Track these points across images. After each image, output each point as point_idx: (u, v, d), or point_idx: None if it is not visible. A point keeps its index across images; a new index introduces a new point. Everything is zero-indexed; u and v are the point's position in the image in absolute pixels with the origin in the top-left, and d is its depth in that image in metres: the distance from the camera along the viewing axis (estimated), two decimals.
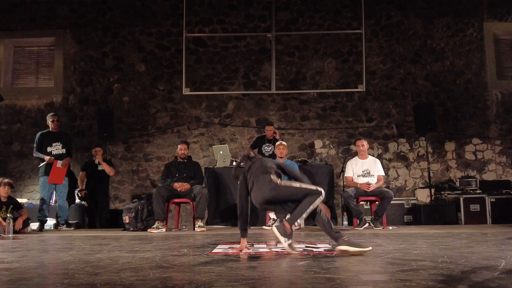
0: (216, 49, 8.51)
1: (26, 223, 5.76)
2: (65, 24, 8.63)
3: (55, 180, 6.33)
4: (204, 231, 5.60)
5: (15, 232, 5.43)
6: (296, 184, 3.31)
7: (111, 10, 8.63)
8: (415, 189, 8.01)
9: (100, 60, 8.55)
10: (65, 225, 6.37)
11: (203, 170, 6.57)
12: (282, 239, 3.22)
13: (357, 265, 2.68)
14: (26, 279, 2.34)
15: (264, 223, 6.03)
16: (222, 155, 6.68)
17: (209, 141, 8.29)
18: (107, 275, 2.41)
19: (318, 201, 3.19)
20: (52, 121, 6.53)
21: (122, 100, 8.48)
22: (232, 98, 8.42)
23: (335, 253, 3.16)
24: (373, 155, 6.88)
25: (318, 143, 8.25)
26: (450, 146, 8.23)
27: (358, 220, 5.76)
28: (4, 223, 5.33)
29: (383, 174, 6.14)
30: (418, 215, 6.88)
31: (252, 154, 3.66)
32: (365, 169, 5.97)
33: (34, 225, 6.19)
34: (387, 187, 7.32)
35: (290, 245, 3.23)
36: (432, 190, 7.46)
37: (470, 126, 8.27)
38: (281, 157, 6.20)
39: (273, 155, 6.63)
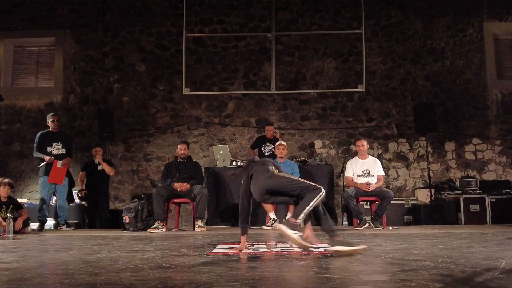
0: (216, 49, 8.52)
1: (26, 223, 5.76)
2: (65, 24, 8.63)
3: (55, 180, 6.33)
4: (204, 231, 5.60)
5: (15, 232, 5.43)
6: (294, 177, 3.36)
7: (111, 10, 8.63)
8: (415, 189, 8.01)
9: (100, 60, 8.55)
10: (65, 225, 6.37)
11: (203, 170, 6.57)
12: (291, 232, 3.12)
13: (357, 265, 2.68)
14: (26, 279, 2.34)
15: (264, 223, 6.03)
16: (222, 155, 6.68)
17: (209, 141, 8.29)
18: (107, 275, 2.41)
19: (320, 197, 3.17)
20: (52, 121, 6.53)
21: (122, 100, 8.48)
22: (232, 98, 8.42)
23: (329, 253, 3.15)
24: (373, 155, 6.88)
25: (318, 143, 8.25)
26: (450, 146, 8.24)
27: (358, 220, 5.76)
28: (4, 223, 5.33)
29: (383, 174, 6.14)
30: (418, 215, 6.88)
31: (256, 158, 3.74)
32: (365, 169, 5.97)
33: (34, 225, 6.19)
34: (387, 187, 7.32)
35: (301, 237, 3.16)
36: (432, 190, 7.46)
37: (470, 126, 8.27)
38: (281, 157, 6.21)
39: (273, 155, 6.64)
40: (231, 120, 8.38)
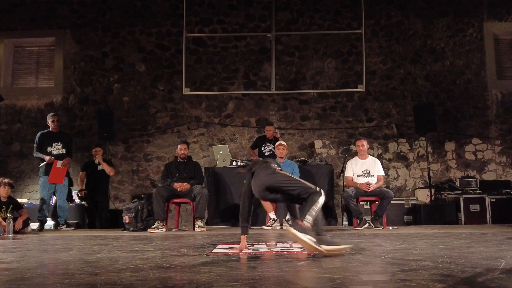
0: (216, 49, 8.52)
1: (26, 223, 5.76)
2: (65, 24, 8.63)
3: (55, 180, 6.33)
4: (204, 231, 5.60)
5: (15, 232, 5.43)
6: (295, 177, 3.38)
7: (111, 10, 8.63)
8: (415, 189, 8.01)
9: (100, 60, 8.56)
10: (65, 225, 6.37)
11: (203, 170, 6.56)
12: (302, 235, 2.96)
13: (357, 265, 2.68)
14: (26, 279, 2.34)
15: (264, 223, 6.03)
16: (222, 155, 6.68)
17: (209, 141, 8.29)
18: (107, 275, 2.41)
19: (322, 201, 3.15)
20: (53, 121, 6.53)
21: (122, 100, 8.48)
22: (232, 98, 8.42)
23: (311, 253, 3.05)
24: (373, 155, 6.88)
25: (318, 143, 8.25)
26: (450, 146, 8.24)
27: (358, 220, 5.76)
28: (4, 223, 5.33)
29: (383, 174, 6.14)
30: (418, 215, 6.88)
31: (260, 159, 3.78)
32: (365, 169, 5.97)
33: (34, 225, 6.19)
34: (387, 187, 7.32)
35: (314, 242, 3.00)
36: (432, 190, 7.46)
37: (470, 126, 8.27)
38: (281, 157, 6.20)
39: (273, 155, 6.64)
40: (231, 120, 8.38)
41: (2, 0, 8.59)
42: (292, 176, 3.46)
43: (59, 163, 6.35)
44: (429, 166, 7.60)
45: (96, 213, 6.87)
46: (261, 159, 3.93)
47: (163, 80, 8.48)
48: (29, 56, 8.91)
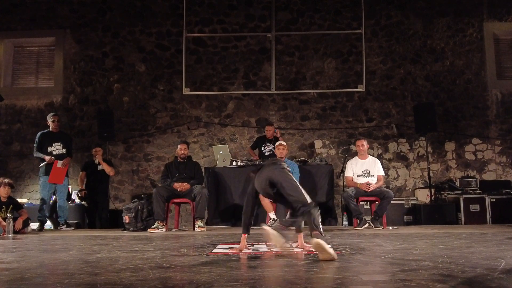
0: (216, 49, 8.52)
1: (26, 223, 5.76)
2: (65, 24, 8.63)
3: (55, 180, 6.33)
4: (204, 231, 5.60)
5: (15, 232, 5.43)
6: (297, 183, 3.35)
7: (111, 10, 8.63)
8: (415, 189, 8.01)
9: (100, 60, 8.55)
10: (65, 225, 6.37)
11: (203, 170, 6.56)
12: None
13: (357, 265, 2.68)
14: (26, 279, 2.34)
15: (264, 223, 6.02)
16: (222, 155, 6.68)
17: (209, 141, 8.29)
18: (107, 275, 2.41)
19: (314, 214, 3.14)
20: (53, 121, 6.53)
21: (122, 100, 8.48)
22: (232, 98, 8.42)
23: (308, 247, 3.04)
24: (373, 155, 6.88)
25: (318, 143, 8.25)
26: (450, 146, 8.24)
27: (358, 220, 5.76)
28: (4, 223, 5.33)
29: (383, 174, 6.14)
30: (418, 215, 6.87)
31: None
32: (365, 169, 5.97)
33: (34, 225, 6.19)
34: (387, 187, 7.32)
35: (283, 244, 3.14)
36: (432, 190, 7.46)
37: (470, 126, 8.27)
38: (281, 157, 6.19)
39: (273, 155, 6.63)
40: (231, 120, 8.38)
41: (2, 0, 8.59)
42: (296, 182, 3.38)
43: (59, 163, 6.35)
44: (429, 166, 7.60)
45: (96, 213, 6.87)
46: (272, 158, 3.93)
47: (163, 80, 8.48)
48: (29, 56, 8.91)
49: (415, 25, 8.47)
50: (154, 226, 5.72)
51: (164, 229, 5.72)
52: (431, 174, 7.63)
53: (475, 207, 6.77)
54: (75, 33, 8.60)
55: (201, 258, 3.06)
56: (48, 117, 6.65)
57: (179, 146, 6.30)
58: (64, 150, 6.51)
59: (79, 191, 6.90)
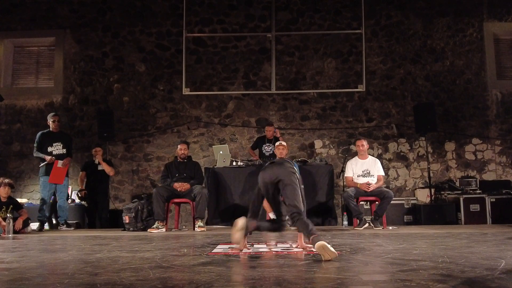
0: (216, 49, 8.52)
1: (26, 223, 5.76)
2: (65, 24, 8.63)
3: (55, 180, 6.34)
4: (204, 231, 5.60)
5: (15, 232, 5.43)
6: (300, 192, 3.33)
7: (111, 10, 8.63)
8: (415, 189, 8.01)
9: (100, 60, 8.56)
10: (65, 225, 6.37)
11: (203, 170, 6.56)
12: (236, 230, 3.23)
13: (357, 265, 2.68)
14: (26, 279, 2.34)
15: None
16: (222, 155, 6.68)
17: (209, 141, 8.29)
18: (107, 275, 2.41)
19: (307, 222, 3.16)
20: (53, 121, 6.53)
21: (122, 100, 8.48)
22: (232, 98, 8.42)
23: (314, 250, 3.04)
24: (373, 155, 6.88)
25: (318, 143, 8.25)
26: (450, 146, 8.24)
27: (358, 220, 5.76)
28: (4, 223, 5.33)
29: (383, 174, 6.14)
30: (418, 215, 6.87)
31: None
32: (365, 169, 5.97)
33: (34, 225, 6.19)
34: (387, 187, 7.32)
35: (238, 237, 3.23)
36: (432, 190, 7.46)
37: (470, 126, 8.27)
38: (281, 157, 6.19)
39: (273, 155, 6.63)
40: (231, 120, 8.38)
41: (2, 0, 8.59)
42: (299, 188, 3.35)
43: (59, 163, 6.35)
44: (429, 166, 7.60)
45: (96, 213, 6.87)
46: (283, 158, 3.93)
47: (163, 80, 8.48)
48: (29, 56, 8.91)
49: (415, 25, 8.47)
50: (154, 226, 5.72)
51: (164, 229, 5.72)
52: (431, 174, 7.63)
53: (475, 207, 6.77)
54: (75, 33, 8.60)
55: (201, 258, 3.06)
56: (48, 117, 6.65)
57: (179, 146, 6.30)
58: (64, 150, 6.51)
59: (79, 191, 6.90)
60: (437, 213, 6.80)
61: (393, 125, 8.27)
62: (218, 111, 8.40)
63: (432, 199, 7.38)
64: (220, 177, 6.52)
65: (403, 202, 7.09)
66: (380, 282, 2.19)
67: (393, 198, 5.93)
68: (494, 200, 6.78)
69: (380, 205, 5.80)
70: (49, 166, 6.33)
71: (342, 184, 7.01)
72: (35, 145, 6.50)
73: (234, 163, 6.66)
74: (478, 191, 7.10)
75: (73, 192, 7.46)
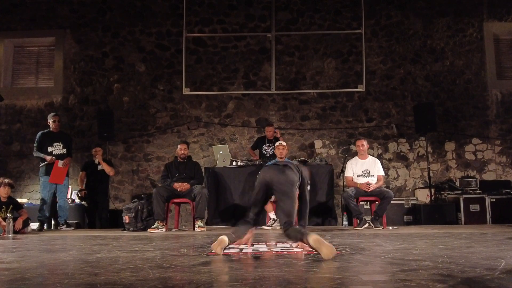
0: (216, 49, 8.52)
1: (26, 223, 5.76)
2: (65, 24, 8.63)
3: (56, 180, 6.34)
4: (204, 231, 5.60)
5: (15, 232, 5.43)
6: (292, 202, 3.28)
7: (111, 10, 8.63)
8: (415, 189, 8.01)
9: (100, 60, 8.56)
10: (65, 225, 6.37)
11: (203, 170, 6.57)
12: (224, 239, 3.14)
13: (357, 265, 2.68)
14: (26, 279, 2.34)
15: (264, 223, 6.03)
16: (222, 155, 6.68)
17: (209, 141, 8.29)
18: (107, 275, 2.40)
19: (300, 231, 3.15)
20: (54, 121, 6.53)
21: (122, 100, 8.48)
22: (232, 98, 8.42)
23: (308, 246, 3.01)
24: (373, 155, 6.88)
25: (318, 143, 8.25)
26: (450, 146, 8.24)
27: (358, 220, 5.75)
28: (4, 223, 5.33)
29: (383, 174, 6.14)
30: (418, 215, 6.87)
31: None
32: (365, 169, 5.97)
33: (34, 225, 6.19)
34: (387, 187, 7.32)
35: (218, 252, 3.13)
36: (432, 190, 7.46)
37: (470, 126, 8.27)
38: (281, 157, 6.18)
39: (273, 155, 6.63)
40: (231, 120, 8.38)
41: (2, 0, 8.59)
42: (294, 198, 3.32)
43: (60, 163, 6.35)
44: (429, 166, 7.60)
45: (96, 213, 6.87)
46: (288, 160, 3.90)
47: (163, 80, 8.48)
48: (29, 56, 8.91)
49: (415, 25, 8.47)
50: (154, 226, 5.72)
51: (164, 229, 5.72)
52: (431, 174, 7.63)
53: (475, 207, 6.78)
54: (75, 33, 8.60)
55: (201, 258, 3.06)
56: (48, 117, 6.65)
57: (179, 146, 6.31)
58: (65, 150, 6.51)
59: (79, 191, 6.90)
60: (437, 213, 6.80)
61: (393, 125, 8.27)
62: (218, 111, 8.40)
63: (432, 199, 7.38)
64: (220, 177, 6.52)
65: (403, 202, 7.09)
66: (380, 282, 2.19)
67: (393, 198, 5.93)
68: (494, 200, 6.78)
69: (380, 205, 5.80)
70: (49, 166, 6.33)
71: (342, 184, 7.01)
72: (35, 145, 6.50)
73: (234, 163, 6.66)
74: (478, 191, 7.10)
75: (73, 192, 7.46)
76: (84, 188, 6.89)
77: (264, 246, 3.78)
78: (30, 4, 8.66)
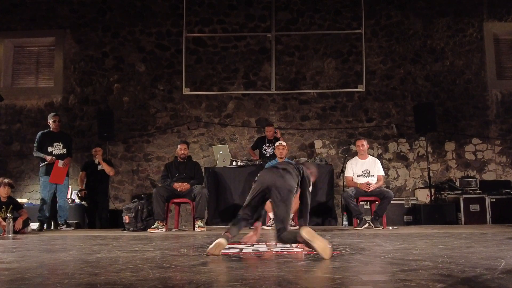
0: (216, 49, 8.52)
1: (26, 223, 5.76)
2: (65, 24, 8.63)
3: (56, 180, 6.34)
4: (204, 231, 5.60)
5: (15, 232, 5.43)
6: (288, 209, 3.26)
7: (111, 10, 8.63)
8: (415, 189, 8.01)
9: (100, 60, 8.56)
10: (65, 225, 6.37)
11: (203, 170, 6.57)
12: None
13: (357, 265, 2.68)
14: (26, 279, 2.34)
15: (264, 223, 6.03)
16: (222, 155, 6.68)
17: (209, 141, 8.29)
18: (107, 275, 2.40)
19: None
20: (54, 121, 6.53)
21: (122, 100, 8.48)
22: (232, 98, 8.42)
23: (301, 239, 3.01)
24: (373, 155, 6.88)
25: (318, 143, 8.25)
26: (450, 146, 8.24)
27: (358, 220, 5.76)
28: (4, 223, 5.33)
29: (383, 174, 6.14)
30: (418, 215, 6.88)
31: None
32: (365, 169, 5.97)
33: (34, 225, 6.19)
34: (387, 187, 7.32)
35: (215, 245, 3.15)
36: (432, 190, 7.46)
37: (470, 126, 8.27)
38: (281, 157, 6.20)
39: (273, 155, 6.64)
40: (231, 120, 8.38)
41: (2, 0, 8.59)
42: (290, 204, 3.30)
43: (60, 163, 6.35)
44: (429, 166, 7.60)
45: (96, 213, 6.87)
46: (288, 160, 3.89)
47: (163, 80, 8.48)
48: (29, 56, 8.91)
49: (415, 25, 8.47)
50: (154, 226, 5.72)
51: (164, 229, 5.72)
52: (431, 174, 7.63)
53: (475, 207, 6.78)
54: (75, 33, 8.60)
55: (201, 258, 3.06)
56: (48, 117, 6.65)
57: (179, 146, 6.31)
58: (65, 150, 6.51)
59: (79, 191, 6.90)
60: (437, 213, 6.80)
61: (393, 125, 8.27)
62: (218, 111, 8.40)
63: (432, 199, 7.38)
64: (220, 177, 6.53)
65: (403, 202, 7.09)
66: (380, 282, 2.19)
67: (393, 198, 5.94)
68: (494, 200, 6.79)
69: (380, 205, 5.80)
70: (50, 166, 6.33)
71: (342, 184, 7.01)
72: (35, 145, 6.50)
73: (234, 163, 6.67)
74: (478, 191, 7.11)
75: (73, 192, 7.46)
76: (84, 188, 6.89)
77: (264, 246, 3.77)
78: (30, 4, 8.66)
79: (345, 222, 6.14)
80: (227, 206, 6.44)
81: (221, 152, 6.76)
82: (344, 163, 6.48)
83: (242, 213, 3.36)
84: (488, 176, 8.07)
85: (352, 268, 2.58)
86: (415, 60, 8.42)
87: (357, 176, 5.97)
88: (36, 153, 6.47)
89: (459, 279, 2.17)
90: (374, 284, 2.11)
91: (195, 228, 5.79)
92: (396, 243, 3.87)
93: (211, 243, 3.24)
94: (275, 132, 7.12)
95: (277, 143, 6.39)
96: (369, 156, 6.17)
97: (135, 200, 6.12)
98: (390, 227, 5.82)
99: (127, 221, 5.81)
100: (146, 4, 8.59)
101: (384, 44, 8.45)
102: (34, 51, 8.91)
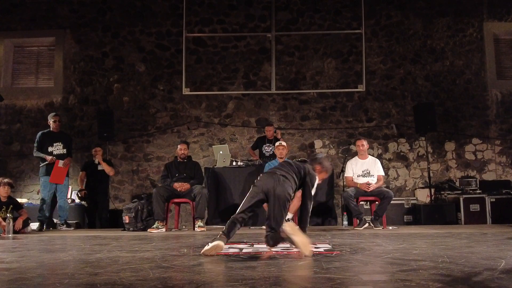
0: (216, 49, 8.52)
1: (26, 223, 5.76)
2: (65, 24, 8.64)
3: (56, 180, 6.34)
4: (204, 231, 5.60)
5: (15, 232, 5.43)
6: (283, 215, 3.27)
7: (111, 10, 8.63)
8: (415, 189, 8.01)
9: (100, 60, 8.56)
10: (65, 225, 6.38)
11: (203, 170, 6.57)
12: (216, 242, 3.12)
13: (357, 265, 2.68)
14: (26, 279, 2.34)
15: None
16: (222, 155, 6.68)
17: (209, 141, 8.29)
18: (107, 275, 2.40)
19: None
20: (54, 121, 6.53)
21: (122, 100, 8.48)
22: (232, 98, 8.42)
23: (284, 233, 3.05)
24: (373, 155, 6.88)
25: (318, 143, 8.26)
26: (450, 146, 8.24)
27: (358, 220, 5.76)
28: (4, 223, 5.33)
29: (383, 174, 6.14)
30: (418, 215, 6.88)
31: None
32: (365, 169, 5.97)
33: (34, 225, 6.19)
34: (387, 187, 7.32)
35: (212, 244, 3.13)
36: (432, 190, 7.46)
37: (470, 126, 8.27)
38: (281, 157, 6.20)
39: (273, 155, 6.64)
40: (231, 120, 8.38)
41: (2, 0, 8.59)
42: (286, 207, 3.30)
43: (60, 163, 6.35)
44: (429, 166, 7.60)
45: (96, 213, 6.87)
46: (289, 160, 3.88)
47: (163, 80, 8.48)
48: (29, 56, 8.91)
49: (415, 25, 8.47)
50: (154, 226, 5.72)
51: (164, 229, 5.72)
52: (431, 174, 7.63)
53: (475, 207, 6.78)
54: (75, 33, 8.60)
55: (201, 258, 3.06)
56: (49, 117, 6.65)
57: (179, 146, 6.31)
58: (65, 150, 6.51)
59: (79, 191, 6.90)
60: (437, 213, 6.80)
61: (393, 125, 8.27)
62: (218, 111, 8.40)
63: (432, 199, 7.38)
64: (220, 177, 6.53)
65: (403, 202, 7.09)
66: (380, 282, 2.19)
67: (393, 198, 5.94)
68: (494, 200, 6.79)
69: (380, 205, 5.80)
70: (50, 166, 6.33)
71: (342, 184, 7.01)
72: (35, 145, 6.50)
73: (234, 163, 6.67)
74: (478, 191, 7.11)
75: (73, 192, 7.46)
76: (84, 188, 6.89)
77: (264, 246, 3.77)
78: (30, 4, 8.66)
79: (345, 222, 6.14)
80: (227, 206, 6.44)
81: (221, 152, 6.76)
82: (344, 163, 6.48)
83: (238, 216, 3.33)
84: (488, 176, 8.07)
85: (352, 268, 2.58)
86: (415, 60, 8.42)
87: (357, 176, 5.97)
88: (36, 153, 6.47)
89: (459, 279, 2.17)
90: (374, 284, 2.11)
91: (195, 228, 5.79)
92: (396, 243, 3.87)
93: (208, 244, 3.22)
94: (275, 133, 7.12)
95: (277, 143, 6.39)
96: (369, 156, 6.17)
97: (135, 200, 6.12)
98: (390, 227, 5.82)
99: (127, 221, 5.82)
100: (146, 4, 8.60)
101: (384, 44, 8.46)
102: (34, 51, 8.91)
